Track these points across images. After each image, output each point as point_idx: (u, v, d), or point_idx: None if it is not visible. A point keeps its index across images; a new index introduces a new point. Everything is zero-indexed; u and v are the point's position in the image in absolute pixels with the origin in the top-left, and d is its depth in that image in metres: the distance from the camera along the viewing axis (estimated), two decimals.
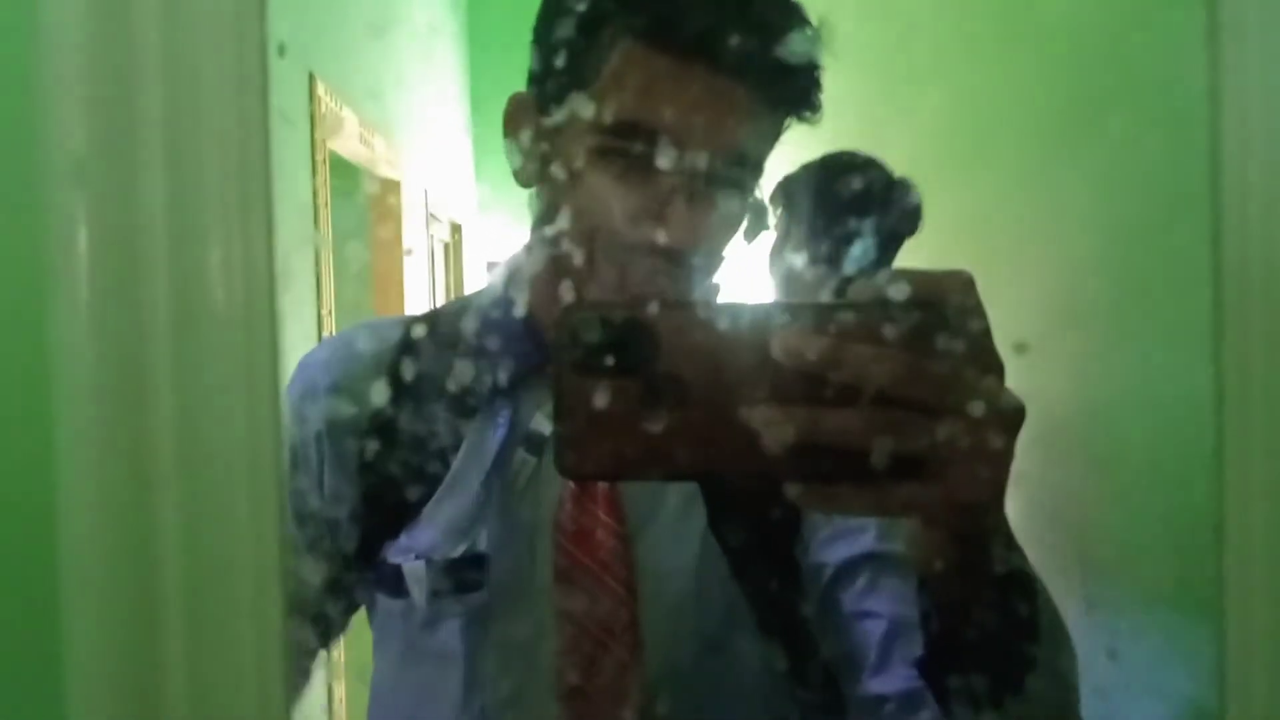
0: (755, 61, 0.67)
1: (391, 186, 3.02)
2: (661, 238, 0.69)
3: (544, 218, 0.76)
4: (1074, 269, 1.64)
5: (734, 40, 0.66)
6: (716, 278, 0.76)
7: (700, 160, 0.68)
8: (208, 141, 0.34)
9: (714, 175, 0.69)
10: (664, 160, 0.68)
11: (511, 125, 0.76)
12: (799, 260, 1.73)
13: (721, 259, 0.75)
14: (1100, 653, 1.38)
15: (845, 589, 0.75)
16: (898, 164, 1.75)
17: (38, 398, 0.34)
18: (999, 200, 1.92)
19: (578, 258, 0.71)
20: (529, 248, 0.81)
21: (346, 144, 2.42)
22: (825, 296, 0.48)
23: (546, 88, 0.73)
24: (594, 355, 0.45)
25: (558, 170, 0.72)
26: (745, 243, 0.78)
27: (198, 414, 0.33)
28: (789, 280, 1.75)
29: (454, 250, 4.29)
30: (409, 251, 3.14)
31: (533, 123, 0.75)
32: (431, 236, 3.74)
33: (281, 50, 0.33)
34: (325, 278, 2.25)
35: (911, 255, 1.65)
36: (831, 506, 0.49)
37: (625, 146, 0.69)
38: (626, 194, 0.69)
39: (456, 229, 4.28)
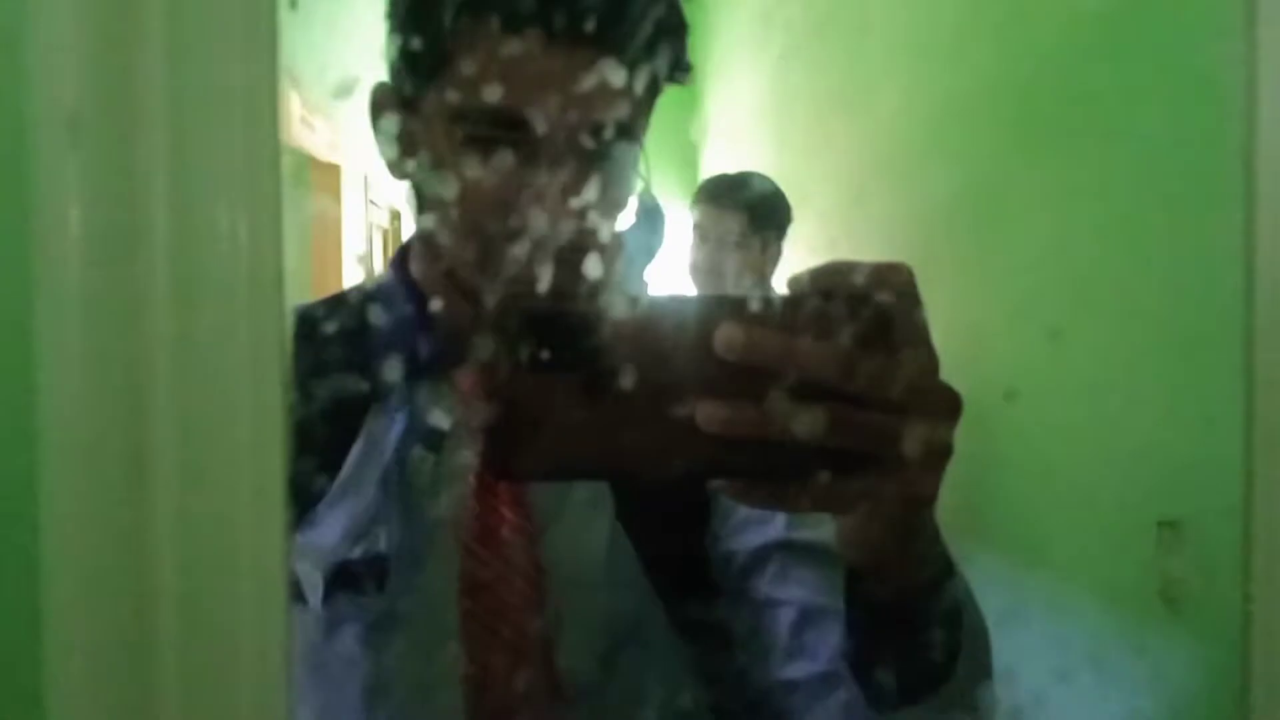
0: (603, 25, 0.64)
1: (331, 170, 2.96)
2: (533, 220, 0.66)
3: (421, 207, 0.74)
4: (1047, 268, 1.64)
5: (575, 6, 0.63)
6: (636, 267, 0.74)
7: (562, 135, 0.65)
8: (213, 96, 0.31)
9: (581, 148, 0.66)
10: (524, 138, 0.65)
11: (376, 117, 0.74)
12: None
13: (618, 241, 0.72)
14: (1084, 659, 1.39)
15: (756, 577, 0.74)
16: (859, 161, 1.75)
17: (21, 382, 0.30)
18: (952, 201, 1.92)
19: (457, 249, 0.69)
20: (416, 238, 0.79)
21: (286, 125, 2.36)
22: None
23: (402, 77, 0.71)
24: (530, 351, 0.44)
25: (423, 160, 0.70)
26: (635, 219, 0.76)
27: (200, 398, 0.30)
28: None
29: (393, 236, 4.22)
30: (388, 235, 3.07)
31: (395, 113, 0.72)
32: (370, 223, 3.67)
33: (294, 3, 0.30)
34: None
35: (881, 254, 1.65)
36: (783, 505, 0.48)
37: (483, 132, 0.66)
38: (491, 178, 0.66)
39: (396, 215, 4.21)
